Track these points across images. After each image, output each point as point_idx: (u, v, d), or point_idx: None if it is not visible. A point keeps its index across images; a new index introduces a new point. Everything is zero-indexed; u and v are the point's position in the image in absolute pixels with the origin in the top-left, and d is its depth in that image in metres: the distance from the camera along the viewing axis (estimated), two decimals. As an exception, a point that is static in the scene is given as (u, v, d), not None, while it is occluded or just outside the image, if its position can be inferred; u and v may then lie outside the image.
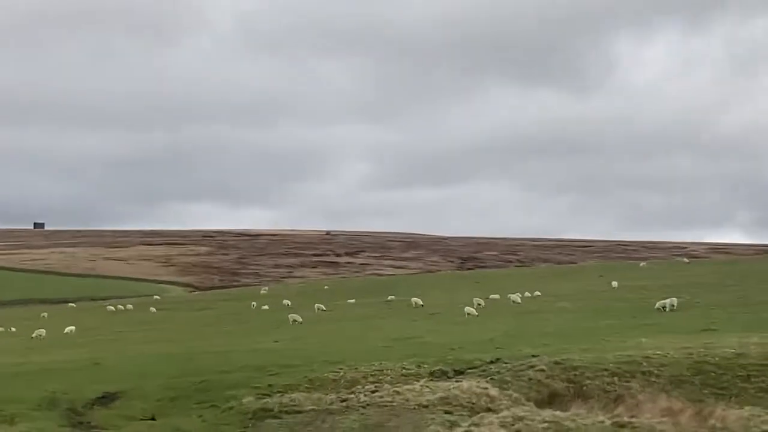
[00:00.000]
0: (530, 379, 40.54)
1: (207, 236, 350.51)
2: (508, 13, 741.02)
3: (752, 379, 39.66)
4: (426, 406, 35.76)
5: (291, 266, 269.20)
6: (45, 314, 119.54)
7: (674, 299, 68.19)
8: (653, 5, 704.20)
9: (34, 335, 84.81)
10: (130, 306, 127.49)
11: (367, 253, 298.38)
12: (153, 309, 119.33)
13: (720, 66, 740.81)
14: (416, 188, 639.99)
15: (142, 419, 39.05)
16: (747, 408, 34.23)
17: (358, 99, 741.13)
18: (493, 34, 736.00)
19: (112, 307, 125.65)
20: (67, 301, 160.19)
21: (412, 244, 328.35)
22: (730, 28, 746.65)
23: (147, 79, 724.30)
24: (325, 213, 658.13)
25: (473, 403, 36.20)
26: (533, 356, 43.83)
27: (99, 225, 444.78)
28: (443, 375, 42.20)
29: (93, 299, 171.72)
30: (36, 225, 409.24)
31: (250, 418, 37.03)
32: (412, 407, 35.81)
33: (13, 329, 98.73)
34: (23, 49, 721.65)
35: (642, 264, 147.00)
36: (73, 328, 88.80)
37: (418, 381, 40.45)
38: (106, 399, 42.41)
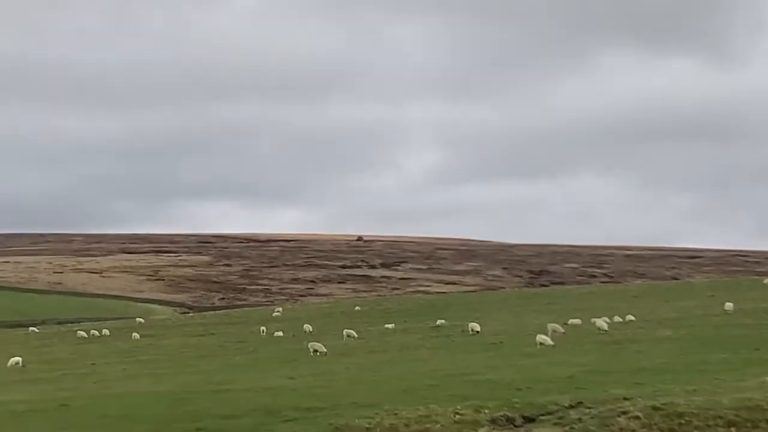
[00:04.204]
0: (621, 429, 40.42)
1: (205, 242, 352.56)
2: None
3: None
4: (486, 463, 35.80)
5: (312, 281, 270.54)
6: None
7: (809, 326, 67.69)
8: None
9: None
10: (106, 331, 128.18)
11: (409, 265, 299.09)
12: (136, 335, 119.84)
13: None
14: (501, 182, 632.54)
15: (121, 477, 39.33)
16: None
17: (434, 69, 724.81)
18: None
19: (84, 333, 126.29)
20: (26, 325, 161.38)
21: (467, 253, 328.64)
22: None
23: (167, 47, 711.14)
24: (377, 214, 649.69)
25: (547, 460, 36.21)
26: (625, 399, 43.67)
27: (68, 228, 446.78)
28: (509, 423, 42.16)
29: (59, 322, 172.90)
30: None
31: (260, 477, 37.21)
32: (469, 464, 35.84)
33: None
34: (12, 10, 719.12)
35: (766, 281, 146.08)
36: (19, 359, 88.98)
37: (476, 430, 40.47)
38: (75, 451, 42.70)
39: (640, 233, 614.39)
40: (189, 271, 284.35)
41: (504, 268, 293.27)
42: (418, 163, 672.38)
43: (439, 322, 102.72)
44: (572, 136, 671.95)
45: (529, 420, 42.61)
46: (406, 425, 42.26)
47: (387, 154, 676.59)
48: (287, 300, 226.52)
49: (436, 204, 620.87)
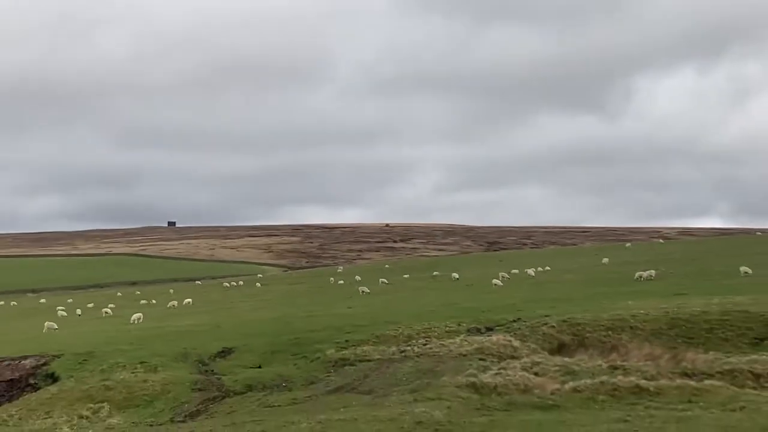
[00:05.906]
0: (544, 333, 40.35)
1: (297, 229, 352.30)
2: (559, 59, 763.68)
3: (714, 331, 39.19)
4: (465, 355, 35.76)
5: (360, 251, 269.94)
6: (171, 290, 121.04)
7: (652, 271, 67.37)
8: (666, 53, 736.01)
9: (169, 305, 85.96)
10: (240, 282, 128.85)
11: (417, 240, 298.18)
12: (258, 284, 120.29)
13: (717, 98, 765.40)
14: (476, 191, 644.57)
15: (251, 367, 39.51)
16: (711, 353, 33.92)
17: (440, 125, 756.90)
18: (546, 75, 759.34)
19: (227, 284, 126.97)
20: (193, 280, 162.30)
21: (450, 232, 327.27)
22: (729, 67, 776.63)
23: (285, 117, 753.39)
24: (400, 211, 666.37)
25: (501, 352, 36.15)
26: (545, 316, 43.62)
27: (217, 222, 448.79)
28: (477, 331, 42.13)
29: (213, 278, 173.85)
30: (169, 223, 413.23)
31: (332, 366, 37.28)
32: (455, 356, 35.82)
33: (154, 301, 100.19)
34: (195, 95, 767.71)
35: (627, 245, 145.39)
36: (190, 300, 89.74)
37: (458, 336, 40.49)
38: (224, 353, 42.91)
39: (556, 218, 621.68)
40: (287, 246, 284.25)
41: (472, 240, 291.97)
42: (427, 181, 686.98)
43: (434, 273, 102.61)
44: (520, 164, 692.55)
45: (489, 329, 42.59)
46: (417, 333, 42.32)
47: (409, 176, 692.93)
48: (345, 262, 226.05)
49: (436, 205, 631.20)
